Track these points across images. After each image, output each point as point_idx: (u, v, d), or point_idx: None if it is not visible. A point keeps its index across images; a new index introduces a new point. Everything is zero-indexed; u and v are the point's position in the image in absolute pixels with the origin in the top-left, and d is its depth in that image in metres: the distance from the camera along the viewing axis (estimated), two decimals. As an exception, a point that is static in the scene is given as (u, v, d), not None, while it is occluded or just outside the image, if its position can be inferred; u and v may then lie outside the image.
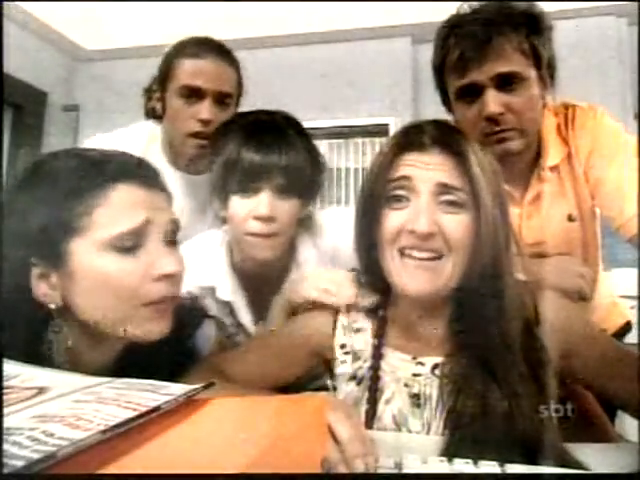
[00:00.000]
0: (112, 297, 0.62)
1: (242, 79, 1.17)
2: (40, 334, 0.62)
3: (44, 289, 0.62)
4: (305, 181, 0.89)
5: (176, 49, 1.14)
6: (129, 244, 0.61)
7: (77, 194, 0.61)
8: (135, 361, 0.66)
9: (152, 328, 0.64)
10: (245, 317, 0.98)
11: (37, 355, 0.60)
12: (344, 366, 0.74)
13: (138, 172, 0.66)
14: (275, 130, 0.88)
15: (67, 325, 0.63)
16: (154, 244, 0.64)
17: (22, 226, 0.61)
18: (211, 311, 0.98)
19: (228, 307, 0.98)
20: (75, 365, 0.62)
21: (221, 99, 1.11)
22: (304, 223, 0.96)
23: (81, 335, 0.64)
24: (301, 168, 0.87)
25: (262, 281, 0.96)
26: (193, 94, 1.10)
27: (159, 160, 1.08)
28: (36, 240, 0.61)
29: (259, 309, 0.98)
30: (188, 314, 0.77)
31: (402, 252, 0.67)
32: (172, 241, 0.67)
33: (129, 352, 0.68)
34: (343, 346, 0.75)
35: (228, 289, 0.96)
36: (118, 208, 0.62)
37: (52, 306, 0.62)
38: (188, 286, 0.94)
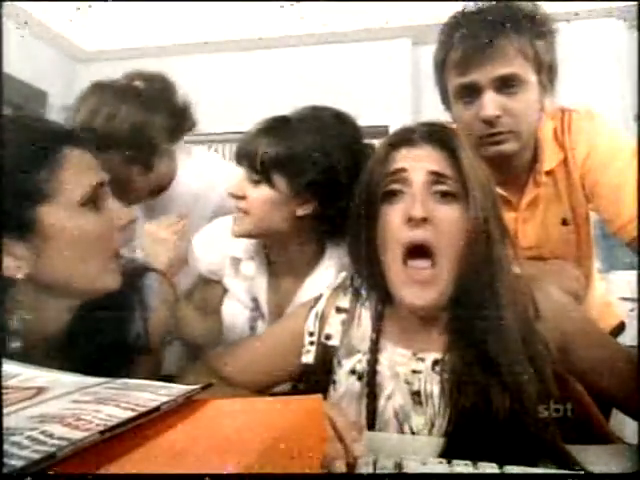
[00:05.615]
0: (89, 251, 0.66)
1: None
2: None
3: (7, 262, 0.63)
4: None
5: None
6: (94, 202, 0.66)
7: (35, 162, 0.63)
8: (86, 325, 0.69)
9: (109, 280, 0.69)
10: (263, 305, 0.97)
11: None
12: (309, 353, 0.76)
13: (80, 137, 0.71)
14: (279, 120, 0.89)
15: (23, 292, 0.65)
16: (109, 200, 0.70)
17: None
18: (230, 289, 0.99)
19: (248, 287, 0.98)
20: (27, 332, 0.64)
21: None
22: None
23: (35, 300, 0.66)
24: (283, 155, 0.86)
25: (286, 274, 0.97)
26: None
27: None
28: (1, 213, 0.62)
29: (278, 304, 0.98)
30: (131, 269, 0.79)
31: (404, 261, 0.67)
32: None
33: (79, 317, 0.70)
34: (312, 334, 0.76)
35: (252, 266, 0.97)
36: (77, 170, 0.66)
37: (19, 276, 0.63)
38: (216, 254, 0.99)
